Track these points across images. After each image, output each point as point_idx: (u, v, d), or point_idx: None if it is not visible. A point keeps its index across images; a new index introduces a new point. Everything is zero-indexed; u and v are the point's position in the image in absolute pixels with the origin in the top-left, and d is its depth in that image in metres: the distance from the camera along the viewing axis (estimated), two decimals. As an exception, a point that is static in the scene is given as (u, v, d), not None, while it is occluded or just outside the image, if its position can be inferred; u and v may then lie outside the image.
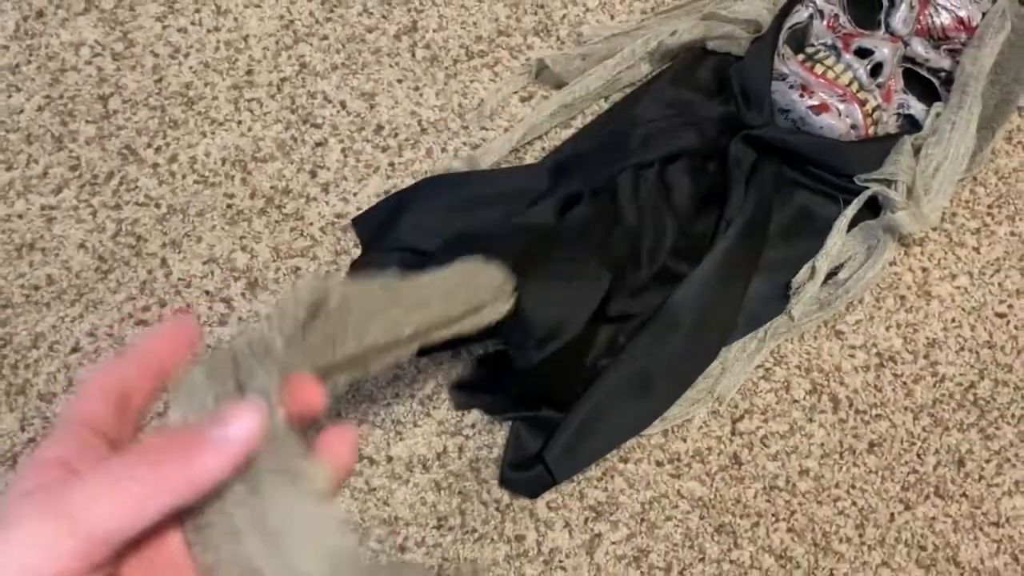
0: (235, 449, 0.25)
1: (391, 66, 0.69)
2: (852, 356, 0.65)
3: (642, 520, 0.60)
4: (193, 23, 0.68)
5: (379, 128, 0.67)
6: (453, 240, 0.59)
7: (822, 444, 0.63)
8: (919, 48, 0.69)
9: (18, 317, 0.61)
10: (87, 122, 0.65)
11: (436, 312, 0.41)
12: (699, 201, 0.63)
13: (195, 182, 0.64)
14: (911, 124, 0.68)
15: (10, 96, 0.65)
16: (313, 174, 0.66)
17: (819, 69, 0.66)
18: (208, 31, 0.68)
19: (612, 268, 0.58)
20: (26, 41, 0.67)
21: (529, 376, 0.55)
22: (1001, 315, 0.67)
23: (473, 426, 0.62)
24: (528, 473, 0.59)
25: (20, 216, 0.63)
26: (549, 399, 0.59)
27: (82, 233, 0.63)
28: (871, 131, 0.66)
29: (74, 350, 0.61)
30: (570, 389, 0.59)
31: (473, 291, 0.45)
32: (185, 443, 0.25)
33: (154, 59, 0.67)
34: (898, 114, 0.68)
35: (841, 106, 0.65)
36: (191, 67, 0.67)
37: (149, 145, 0.65)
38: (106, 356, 0.61)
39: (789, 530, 0.61)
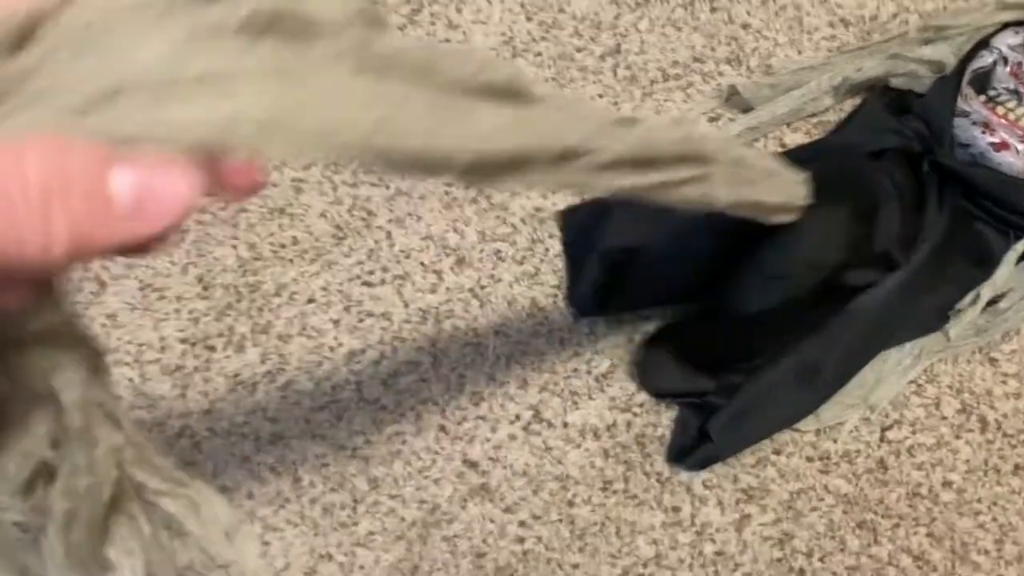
0: None
1: (594, 83, 0.78)
2: (1004, 383, 0.69)
3: (789, 508, 0.66)
4: (428, 34, 0.79)
5: (580, 135, 0.76)
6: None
7: (967, 461, 0.67)
8: (1100, 99, 0.72)
9: (266, 269, 0.73)
10: (335, 111, 0.77)
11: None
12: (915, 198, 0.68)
13: (420, 169, 0.75)
14: (1087, 170, 0.72)
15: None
16: (520, 171, 0.75)
17: (1000, 111, 0.70)
18: (440, 40, 0.79)
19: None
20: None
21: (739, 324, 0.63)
22: None
23: (641, 405, 0.69)
24: (693, 451, 0.66)
25: (275, 185, 0.75)
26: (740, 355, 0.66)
27: (324, 204, 0.74)
28: (1047, 173, 0.70)
29: (310, 301, 0.72)
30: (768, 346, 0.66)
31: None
32: None
33: (394, 62, 0.78)
34: (1074, 159, 0.72)
35: (1021, 146, 0.69)
36: (425, 71, 0.78)
37: (385, 134, 0.76)
38: (336, 311, 0.71)
39: (928, 535, 0.66)
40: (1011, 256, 0.69)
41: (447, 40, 0.79)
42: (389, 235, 0.73)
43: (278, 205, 0.74)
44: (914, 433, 0.68)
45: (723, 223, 0.62)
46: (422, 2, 0.79)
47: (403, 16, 0.79)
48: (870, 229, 0.65)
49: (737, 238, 0.64)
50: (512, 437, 0.68)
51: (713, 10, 0.79)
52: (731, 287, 0.66)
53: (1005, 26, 0.74)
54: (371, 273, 0.72)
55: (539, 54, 0.79)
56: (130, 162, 0.19)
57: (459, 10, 0.79)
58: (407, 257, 0.73)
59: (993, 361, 0.70)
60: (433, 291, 0.72)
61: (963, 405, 0.69)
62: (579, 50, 0.79)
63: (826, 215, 0.60)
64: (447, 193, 0.74)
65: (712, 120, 0.77)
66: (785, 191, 0.55)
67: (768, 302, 0.65)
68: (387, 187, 0.74)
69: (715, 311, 0.68)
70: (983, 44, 0.73)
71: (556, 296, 0.72)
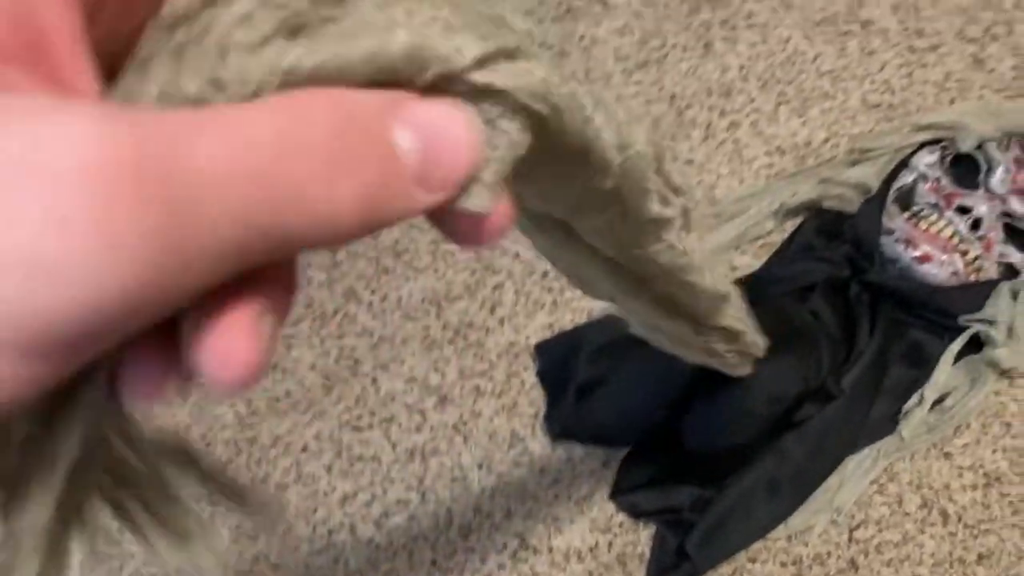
0: None
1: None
2: (961, 475, 0.73)
3: (768, 613, 0.70)
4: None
5: (545, 274, 0.82)
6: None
7: (933, 554, 0.71)
8: (1016, 205, 0.78)
9: (262, 423, 0.78)
10: (320, 270, 0.83)
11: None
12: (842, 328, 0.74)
13: (401, 317, 0.81)
14: (1011, 272, 0.78)
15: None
16: (492, 310, 0.81)
17: (923, 225, 0.77)
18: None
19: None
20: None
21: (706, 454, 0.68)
22: (1104, 443, 0.74)
23: (621, 525, 0.73)
24: (673, 570, 0.69)
25: (267, 342, 0.81)
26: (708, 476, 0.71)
27: (313, 356, 0.80)
28: (973, 277, 0.76)
29: (303, 449, 0.77)
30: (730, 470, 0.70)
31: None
32: None
33: (371, 220, 0.85)
34: (999, 263, 0.78)
35: (944, 256, 0.75)
36: (400, 227, 0.85)
37: (366, 288, 0.82)
38: (328, 457, 0.77)
39: (903, 630, 0.69)
40: (947, 357, 0.74)
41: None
42: (375, 380, 0.79)
43: (271, 361, 0.80)
44: (880, 531, 0.72)
45: (687, 364, 0.68)
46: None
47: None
48: (810, 367, 0.71)
49: (698, 378, 0.70)
50: (500, 566, 0.72)
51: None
52: (694, 426, 0.71)
53: (922, 146, 0.81)
54: (359, 418, 0.78)
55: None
56: (415, 113, 0.17)
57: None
58: (392, 400, 0.78)
59: (948, 456, 0.74)
60: (418, 430, 0.77)
61: (924, 500, 0.73)
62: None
63: (778, 359, 0.65)
64: (426, 336, 0.80)
65: (666, 250, 0.83)
66: (752, 347, 0.59)
67: (731, 439, 0.70)
68: (370, 335, 0.80)
69: (680, 444, 0.72)
70: (904, 164, 0.80)
71: (534, 426, 0.77)
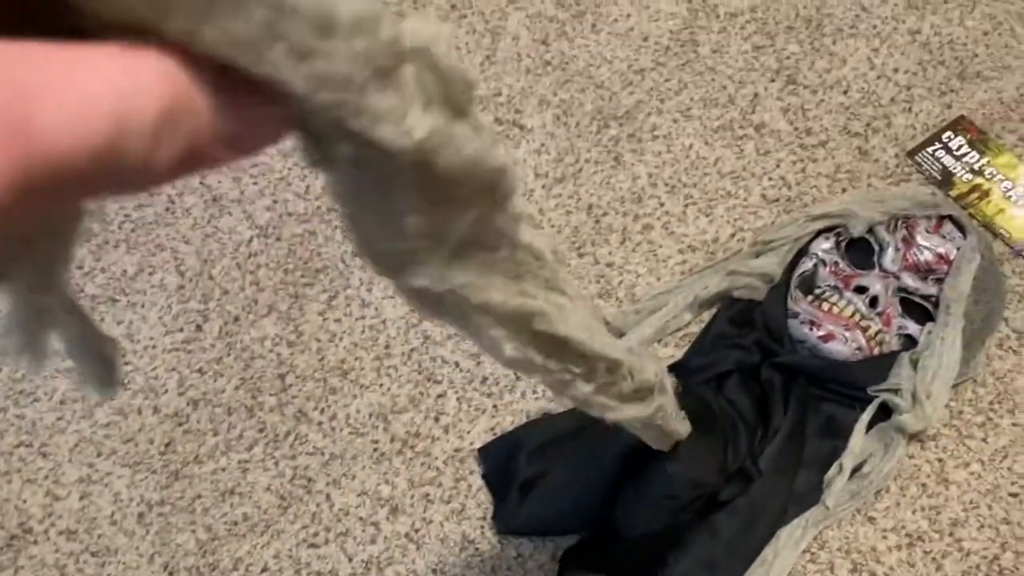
0: None
1: (491, 332, 0.90)
2: (885, 538, 0.78)
3: None
4: (345, 315, 0.92)
5: (484, 379, 0.88)
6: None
7: (867, 616, 0.75)
8: (909, 280, 0.85)
9: (222, 547, 0.81)
10: (270, 395, 0.88)
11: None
12: (757, 411, 0.79)
13: (349, 433, 0.85)
14: (911, 342, 0.84)
15: (216, 380, 0.89)
16: (437, 419, 0.86)
17: (825, 306, 0.83)
18: (356, 319, 0.91)
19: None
20: (226, 340, 0.91)
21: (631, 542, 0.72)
22: (1014, 495, 0.79)
23: (572, 615, 0.77)
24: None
25: (223, 469, 0.85)
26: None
27: (268, 479, 0.84)
28: (875, 351, 0.82)
29: (263, 570, 0.80)
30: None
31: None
32: None
33: (317, 343, 0.90)
34: (899, 335, 0.84)
35: (846, 334, 0.82)
36: (345, 347, 0.90)
37: (315, 408, 0.87)
38: (287, 574, 0.79)
39: None
40: (860, 427, 0.79)
41: (363, 316, 0.92)
42: (328, 497, 0.82)
43: (228, 487, 0.84)
44: (816, 599, 0.76)
45: (616, 457, 0.73)
46: (337, 290, 0.93)
47: (321, 303, 0.92)
48: (727, 454, 0.76)
49: (627, 468, 0.74)
50: (458, 666, 0.75)
51: (580, 255, 0.93)
52: (624, 514, 0.75)
53: (818, 234, 0.89)
54: (316, 535, 0.81)
55: (441, 316, 0.91)
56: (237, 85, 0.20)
57: (369, 290, 0.93)
58: (346, 515, 0.82)
59: (872, 520, 0.79)
60: (373, 542, 0.80)
61: (853, 565, 0.77)
62: (474, 307, 0.92)
63: (697, 446, 0.70)
64: (375, 450, 0.84)
65: (595, 348, 0.89)
66: (679, 426, 0.64)
67: (658, 523, 0.74)
68: (322, 454, 0.84)
69: (616, 533, 0.76)
70: (803, 252, 0.88)
71: (483, 527, 0.81)
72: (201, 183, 1.00)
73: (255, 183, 1.00)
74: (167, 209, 0.99)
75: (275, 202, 0.99)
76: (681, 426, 0.61)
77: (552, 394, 0.51)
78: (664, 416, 0.58)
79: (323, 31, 0.22)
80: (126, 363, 0.91)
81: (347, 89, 0.24)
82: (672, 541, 0.74)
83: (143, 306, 0.94)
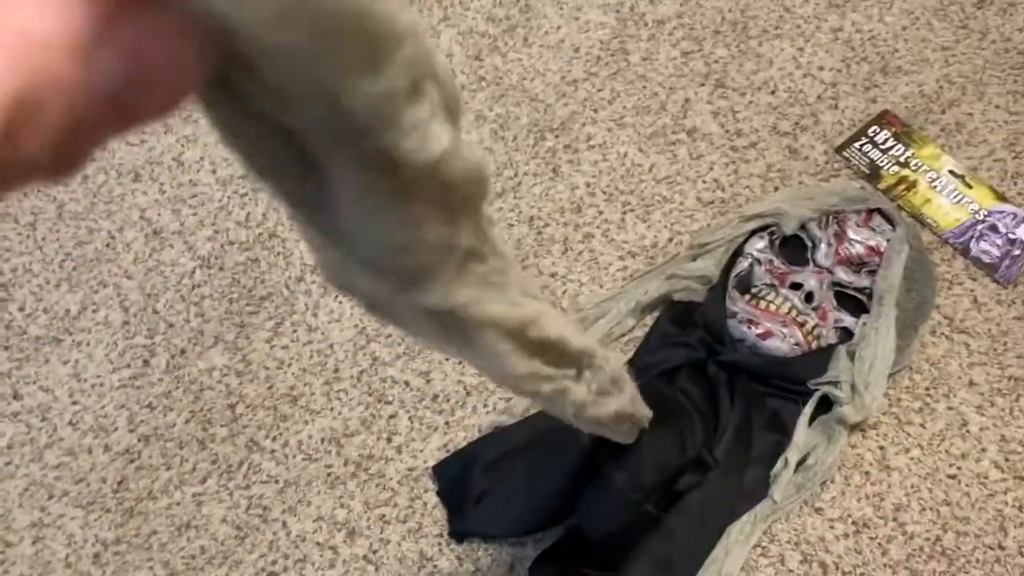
0: None
1: (446, 359, 0.91)
2: (832, 527, 0.80)
3: None
4: (292, 340, 0.92)
5: (435, 397, 0.88)
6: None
7: (819, 605, 0.77)
8: (842, 274, 0.88)
9: (181, 582, 0.81)
10: (221, 426, 0.88)
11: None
12: (708, 403, 0.81)
13: (303, 459, 0.85)
14: (847, 335, 0.86)
15: (166, 415, 0.89)
16: (389, 440, 0.86)
17: (762, 304, 0.85)
18: (304, 344, 0.92)
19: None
20: (174, 373, 0.91)
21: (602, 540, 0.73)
22: (952, 476, 0.81)
23: (532, 625, 0.78)
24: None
25: (178, 503, 0.84)
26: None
27: (223, 510, 0.84)
28: (814, 345, 0.84)
29: (224, 602, 0.80)
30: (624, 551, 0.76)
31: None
32: None
33: (266, 371, 0.91)
34: (836, 328, 0.86)
35: (784, 330, 0.84)
36: (294, 373, 0.90)
37: (267, 436, 0.87)
38: (248, 603, 0.79)
39: None
40: (802, 420, 0.81)
41: (310, 342, 0.92)
42: (285, 524, 0.83)
43: (184, 521, 0.83)
44: (769, 591, 0.78)
45: (574, 461, 0.74)
46: (282, 317, 0.93)
47: (268, 330, 0.92)
48: (687, 438, 0.78)
49: (587, 464, 0.76)
50: None
51: (524, 268, 0.94)
52: (588, 510, 0.76)
53: (752, 233, 0.91)
54: (274, 563, 0.81)
55: (389, 335, 0.92)
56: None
57: (315, 315, 0.93)
58: (304, 541, 0.82)
59: (819, 511, 0.81)
60: (332, 566, 0.81)
61: (803, 556, 0.79)
62: (421, 325, 0.93)
63: (658, 432, 0.72)
64: (330, 474, 0.85)
65: (543, 359, 0.90)
66: (645, 411, 0.65)
67: (622, 519, 0.75)
68: (276, 481, 0.85)
69: (579, 532, 0.78)
70: (739, 252, 0.90)
71: (441, 544, 0.82)
72: (141, 217, 1.00)
73: (195, 214, 1.00)
74: (107, 245, 0.99)
75: (216, 232, 0.98)
76: (647, 412, 0.63)
77: (546, 409, 0.51)
78: (636, 402, 0.59)
79: (384, 41, 0.21)
80: (74, 403, 0.91)
81: (388, 102, 0.23)
82: (628, 544, 0.76)
83: (89, 344, 0.94)
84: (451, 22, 1.10)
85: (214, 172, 1.02)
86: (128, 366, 0.92)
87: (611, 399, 0.53)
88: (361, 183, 0.27)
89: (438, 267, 0.33)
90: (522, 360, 0.40)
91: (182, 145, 1.04)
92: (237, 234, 0.98)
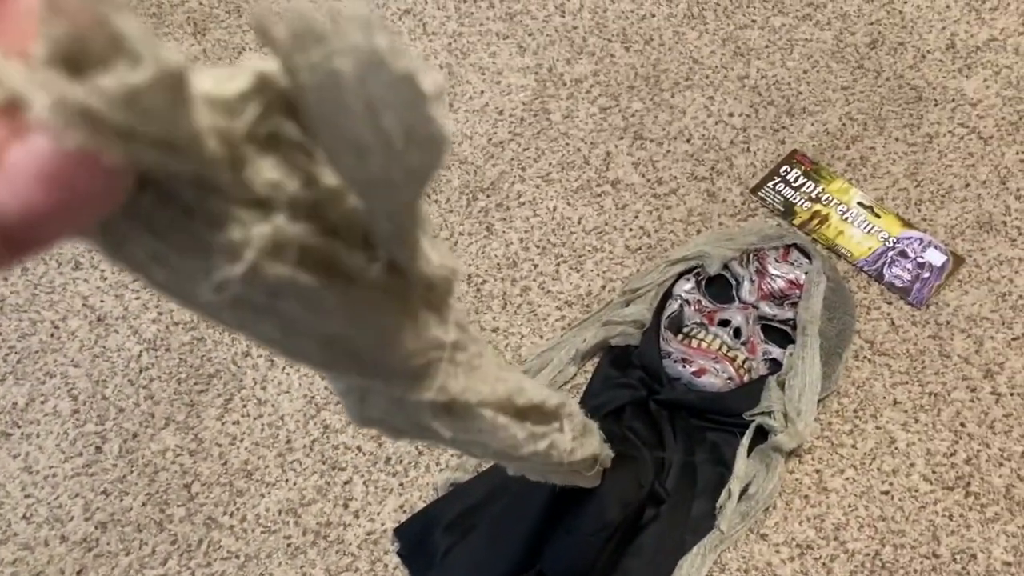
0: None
1: (389, 411, 0.93)
2: (778, 552, 0.84)
3: None
4: (243, 416, 0.94)
5: (388, 459, 0.90)
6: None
7: (771, 628, 0.80)
8: (767, 308, 0.92)
9: (147, 667, 0.81)
10: (178, 506, 0.89)
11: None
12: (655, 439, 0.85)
13: (262, 532, 0.87)
14: (777, 365, 0.91)
15: (122, 499, 0.89)
16: (346, 506, 0.88)
17: (694, 343, 0.90)
18: (255, 418, 0.93)
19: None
20: (127, 457, 0.92)
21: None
22: (885, 492, 0.86)
23: (499, 675, 0.79)
24: None
25: (139, 588, 0.85)
26: None
27: (185, 590, 0.84)
28: (746, 378, 0.89)
29: None
30: None
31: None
32: None
33: (219, 448, 0.92)
34: (765, 360, 0.91)
35: (717, 366, 0.88)
36: (247, 447, 0.92)
37: (225, 512, 0.88)
38: None
39: None
40: (741, 451, 0.85)
41: (260, 415, 0.93)
42: (248, 599, 0.84)
43: None
44: (724, 620, 0.81)
45: (536, 503, 0.77)
46: (231, 393, 0.94)
47: (218, 407, 0.94)
48: (642, 473, 0.81)
49: (551, 511, 0.78)
50: None
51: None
52: (553, 557, 0.79)
53: (680, 276, 0.95)
54: (240, 639, 0.82)
55: (337, 403, 0.94)
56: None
57: (263, 388, 0.95)
58: (268, 613, 0.83)
59: (764, 537, 0.85)
60: (297, 636, 0.82)
61: (753, 582, 0.82)
62: (369, 389, 0.95)
63: (615, 473, 0.75)
64: (289, 545, 0.86)
65: (490, 412, 0.93)
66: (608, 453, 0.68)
67: (589, 557, 0.78)
68: (237, 557, 0.86)
69: None
70: (668, 295, 0.94)
71: (404, 603, 0.83)
72: (84, 304, 1.01)
73: (137, 297, 1.01)
74: (52, 335, 1.00)
75: (160, 314, 1.00)
76: (609, 452, 0.66)
77: (540, 469, 0.55)
78: (602, 446, 0.63)
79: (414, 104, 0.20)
80: (27, 496, 0.91)
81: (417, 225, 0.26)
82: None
83: (39, 436, 0.94)
84: (378, 93, 1.14)
85: (155, 255, 1.04)
86: (80, 454, 0.93)
87: (588, 439, 0.57)
88: (371, 299, 0.29)
89: (435, 364, 0.36)
90: (518, 426, 0.44)
91: (121, 231, 1.06)
92: (181, 314, 1.00)
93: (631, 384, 0.89)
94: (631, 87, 1.12)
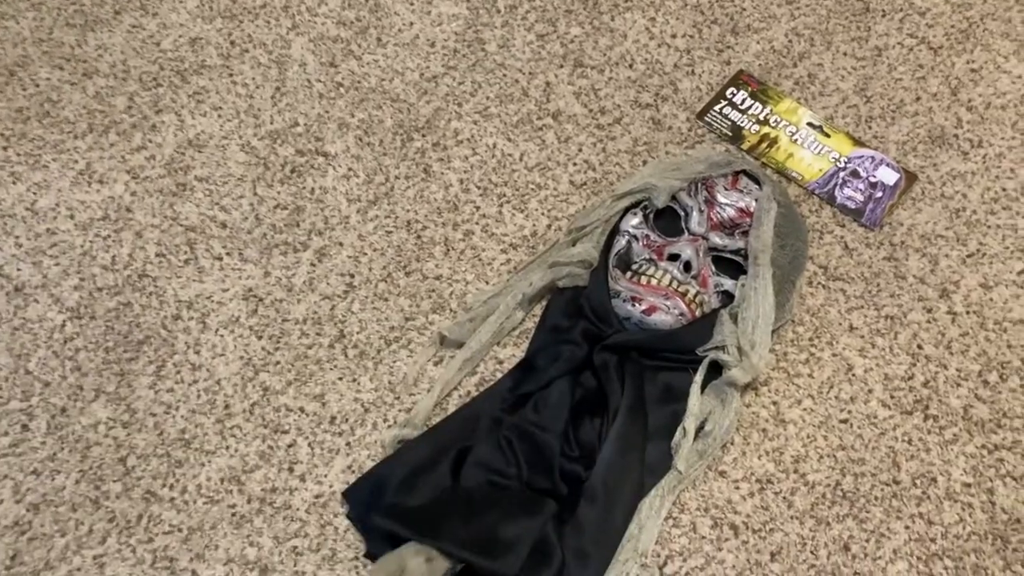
0: None
1: (331, 369, 0.89)
2: (738, 488, 0.82)
3: (609, 670, 0.75)
4: (177, 382, 0.89)
5: (333, 419, 0.87)
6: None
7: (733, 566, 0.78)
8: (717, 239, 0.89)
9: (93, 649, 0.78)
10: (114, 481, 0.85)
11: None
12: (575, 412, 0.82)
13: (204, 503, 0.83)
14: (729, 298, 0.88)
15: (53, 479, 0.85)
16: (291, 470, 0.84)
17: (644, 280, 0.86)
18: (189, 384, 0.89)
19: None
20: (57, 434, 0.87)
21: None
22: (844, 421, 0.84)
23: (459, 633, 0.77)
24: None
25: (79, 569, 0.81)
26: None
27: (127, 568, 0.81)
28: (698, 312, 0.86)
29: (141, 663, 0.77)
30: None
31: None
32: None
33: (154, 418, 0.87)
34: (717, 293, 0.88)
35: (667, 303, 0.85)
36: (183, 416, 0.87)
37: (164, 485, 0.84)
38: (166, 661, 0.77)
39: (726, 644, 0.76)
40: (695, 388, 0.83)
41: (195, 381, 0.89)
42: (194, 573, 0.80)
43: (87, 586, 0.80)
44: (685, 560, 0.79)
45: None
46: (163, 359, 0.90)
47: (150, 375, 0.89)
48: (577, 430, 0.79)
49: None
50: None
51: (408, 273, 0.93)
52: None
53: (627, 211, 0.91)
54: (187, 615, 0.79)
55: (277, 363, 0.90)
56: None
57: (197, 352, 0.90)
58: (216, 587, 0.80)
59: (723, 474, 0.83)
60: (248, 608, 0.79)
61: (713, 520, 0.81)
62: (309, 347, 0.91)
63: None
64: (234, 514, 0.82)
65: (437, 364, 0.89)
66: None
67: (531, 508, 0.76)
68: (179, 530, 0.82)
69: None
70: (615, 231, 0.90)
71: (357, 567, 0.80)
72: (0, 275, 0.95)
73: (57, 263, 0.95)
74: (-34, 309, 0.94)
75: (82, 280, 0.94)
76: None
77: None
78: None
79: None
80: (-47, 480, 0.86)
81: None
82: (540, 548, 0.76)
83: (-40, 417, 0.89)
84: (300, 30, 1.07)
85: (72, 217, 0.97)
86: (6, 433, 0.88)
87: None
88: None
89: None
90: None
91: (33, 193, 0.99)
92: (105, 279, 0.94)
93: (573, 340, 0.85)
94: (568, 11, 1.06)
